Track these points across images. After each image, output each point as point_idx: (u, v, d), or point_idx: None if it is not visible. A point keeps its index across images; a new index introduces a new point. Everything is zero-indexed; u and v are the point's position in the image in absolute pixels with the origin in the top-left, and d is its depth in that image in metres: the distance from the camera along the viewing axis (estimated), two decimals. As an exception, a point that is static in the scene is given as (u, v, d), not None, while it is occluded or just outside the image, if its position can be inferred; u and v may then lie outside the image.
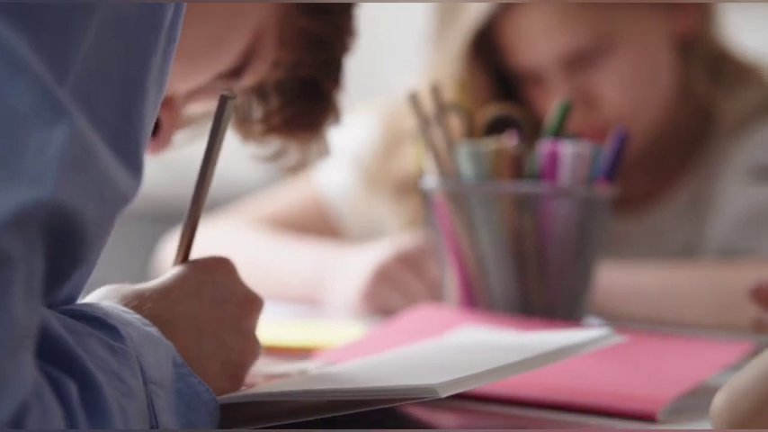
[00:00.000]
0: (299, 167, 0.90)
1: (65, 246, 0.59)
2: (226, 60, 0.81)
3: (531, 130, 1.17)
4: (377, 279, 1.27)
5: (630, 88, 1.41)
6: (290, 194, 1.59)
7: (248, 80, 0.83)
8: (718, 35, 1.50)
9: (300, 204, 1.57)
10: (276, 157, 0.90)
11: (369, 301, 1.28)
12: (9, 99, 0.57)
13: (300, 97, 0.85)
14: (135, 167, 0.64)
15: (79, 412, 0.58)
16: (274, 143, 0.89)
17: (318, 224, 1.55)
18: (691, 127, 1.50)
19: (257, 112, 0.85)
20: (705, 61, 1.48)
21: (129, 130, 0.63)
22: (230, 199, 1.90)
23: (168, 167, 2.70)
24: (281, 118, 0.85)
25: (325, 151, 0.90)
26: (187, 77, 0.80)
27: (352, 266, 1.32)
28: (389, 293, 1.26)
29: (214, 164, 0.74)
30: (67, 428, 0.58)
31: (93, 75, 0.61)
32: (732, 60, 1.49)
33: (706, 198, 1.48)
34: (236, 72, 0.82)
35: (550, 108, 1.38)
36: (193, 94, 0.83)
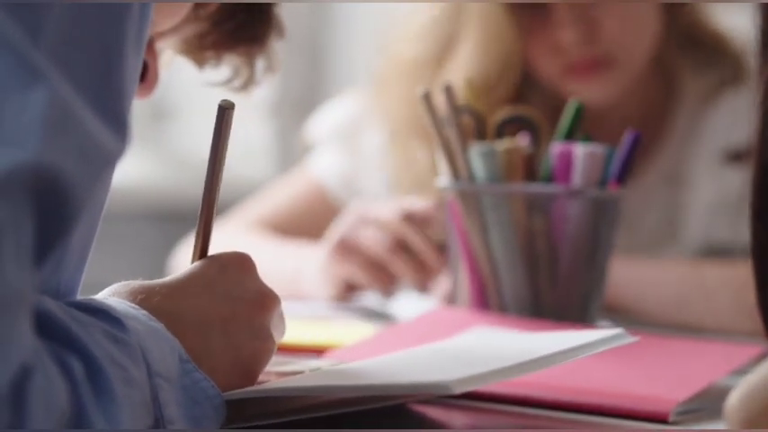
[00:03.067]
0: (248, 84, 0.90)
1: (52, 208, 0.59)
2: None
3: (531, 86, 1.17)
4: (337, 247, 1.28)
5: (630, 24, 1.42)
6: (289, 189, 1.59)
7: (212, 6, 0.83)
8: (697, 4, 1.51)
9: (301, 197, 1.57)
10: (229, 79, 0.90)
11: (331, 272, 1.28)
12: None
13: (241, 12, 0.86)
14: (119, 127, 0.64)
15: (85, 388, 0.59)
16: (226, 67, 0.90)
17: (323, 212, 1.54)
18: (657, 96, 1.50)
19: (200, 27, 0.85)
20: (680, 28, 1.48)
21: (109, 90, 0.63)
22: (234, 198, 1.90)
23: (186, 167, 2.70)
24: (224, 31, 0.86)
25: (273, 67, 0.90)
26: (168, 17, 0.80)
27: (318, 252, 1.32)
28: (349, 261, 1.26)
29: (220, 171, 0.75)
30: (74, 404, 0.58)
31: (69, 37, 0.61)
32: (705, 31, 1.50)
33: (679, 176, 1.48)
34: (200, 2, 0.83)
35: (553, 51, 1.38)
36: (167, 32, 0.83)
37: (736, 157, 1.44)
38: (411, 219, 1.25)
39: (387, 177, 1.51)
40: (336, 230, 1.30)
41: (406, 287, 1.28)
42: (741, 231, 1.42)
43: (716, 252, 1.43)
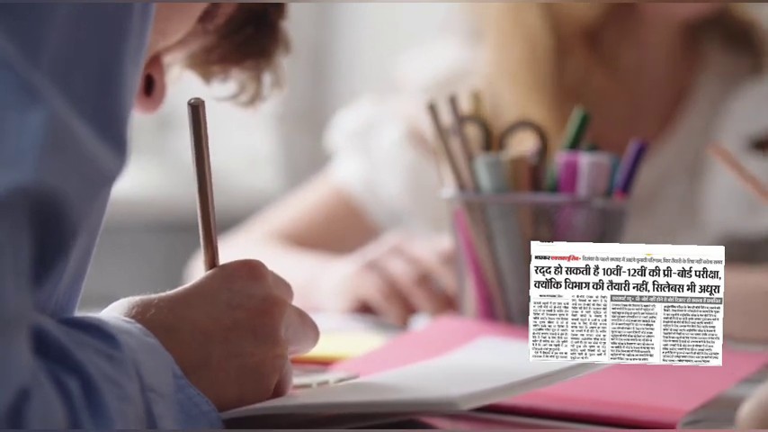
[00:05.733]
0: (255, 100, 0.90)
1: (50, 229, 0.60)
2: (201, 8, 0.81)
3: None
4: (364, 267, 1.27)
5: None
6: (309, 199, 1.58)
7: (219, 20, 0.83)
8: None
9: (323, 205, 1.56)
10: (236, 94, 0.90)
11: (350, 290, 1.27)
12: None
13: (248, 25, 0.86)
14: (118, 145, 0.64)
15: (81, 407, 0.59)
16: (232, 83, 0.90)
17: (347, 219, 1.54)
18: (683, 69, 1.51)
19: (208, 41, 0.85)
20: (714, 14, 1.50)
21: (109, 109, 0.63)
22: (240, 207, 1.89)
23: (191, 177, 2.70)
24: (231, 45, 0.86)
25: (280, 83, 0.90)
26: (174, 32, 0.81)
27: (343, 265, 1.32)
28: (372, 284, 1.26)
29: (208, 172, 0.74)
30: (71, 423, 0.58)
31: (68, 57, 0.61)
32: (736, 15, 1.51)
33: (699, 163, 1.48)
34: (206, 15, 0.83)
35: None
36: (173, 47, 0.83)
37: (758, 144, 1.45)
38: (447, 260, 1.24)
39: (406, 175, 1.51)
40: (368, 253, 1.29)
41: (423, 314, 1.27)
42: (761, 220, 1.43)
43: (735, 241, 1.43)
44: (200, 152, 0.74)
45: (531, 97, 1.43)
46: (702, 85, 1.51)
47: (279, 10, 0.88)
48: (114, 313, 0.70)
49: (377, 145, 1.53)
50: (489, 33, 1.49)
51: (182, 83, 0.90)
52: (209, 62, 0.86)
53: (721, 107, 1.49)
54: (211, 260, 0.75)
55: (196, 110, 0.73)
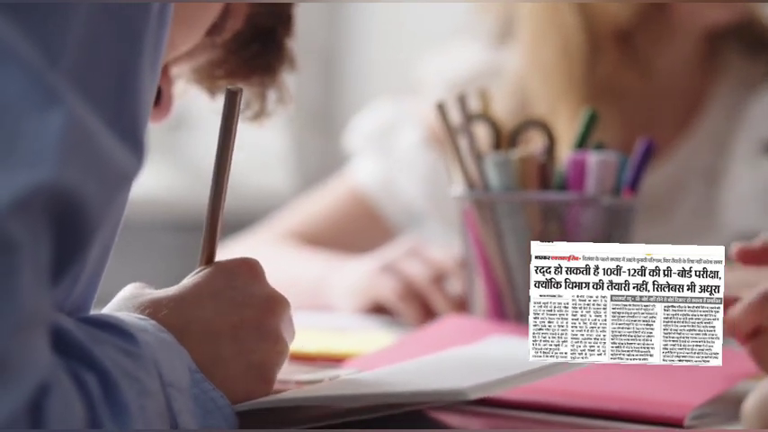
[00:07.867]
0: (259, 116, 0.91)
1: (69, 229, 0.60)
2: (210, 21, 0.82)
3: None
4: (380, 268, 1.27)
5: None
6: (326, 199, 1.58)
7: (226, 35, 0.84)
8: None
9: (339, 205, 1.55)
10: (241, 111, 0.91)
11: (366, 291, 1.28)
12: (0, 88, 0.58)
13: (255, 41, 0.87)
14: (135, 146, 0.64)
15: (101, 403, 0.59)
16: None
17: (363, 220, 1.54)
18: (700, 71, 1.52)
19: (215, 55, 0.86)
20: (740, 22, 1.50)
21: (126, 109, 0.64)
22: (249, 207, 1.88)
23: (203, 176, 2.72)
24: (238, 60, 0.86)
25: (285, 99, 0.91)
26: (181, 43, 0.81)
27: (357, 265, 1.32)
28: (388, 285, 1.26)
29: (229, 160, 0.74)
30: (90, 419, 0.59)
31: (86, 56, 0.62)
32: (757, 22, 1.52)
33: (717, 166, 1.49)
34: (214, 29, 0.83)
35: None
36: (181, 58, 0.84)
37: None
38: (463, 264, 1.24)
39: (424, 176, 1.51)
40: (385, 254, 1.29)
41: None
42: None
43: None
44: (227, 140, 0.74)
45: (563, 94, 1.44)
46: (719, 92, 1.51)
47: (286, 28, 0.88)
48: (125, 310, 0.71)
49: (395, 146, 1.53)
50: (522, 30, 1.50)
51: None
52: (216, 77, 0.87)
53: (737, 112, 1.50)
54: (209, 255, 0.75)
55: (233, 96, 0.73)
